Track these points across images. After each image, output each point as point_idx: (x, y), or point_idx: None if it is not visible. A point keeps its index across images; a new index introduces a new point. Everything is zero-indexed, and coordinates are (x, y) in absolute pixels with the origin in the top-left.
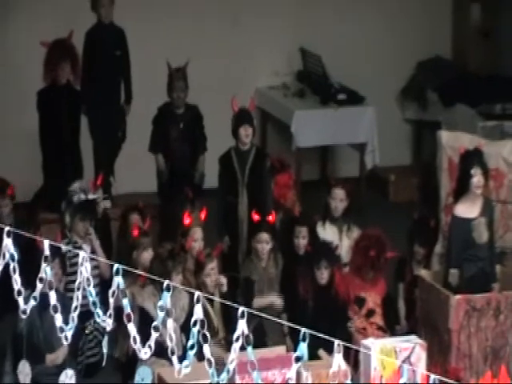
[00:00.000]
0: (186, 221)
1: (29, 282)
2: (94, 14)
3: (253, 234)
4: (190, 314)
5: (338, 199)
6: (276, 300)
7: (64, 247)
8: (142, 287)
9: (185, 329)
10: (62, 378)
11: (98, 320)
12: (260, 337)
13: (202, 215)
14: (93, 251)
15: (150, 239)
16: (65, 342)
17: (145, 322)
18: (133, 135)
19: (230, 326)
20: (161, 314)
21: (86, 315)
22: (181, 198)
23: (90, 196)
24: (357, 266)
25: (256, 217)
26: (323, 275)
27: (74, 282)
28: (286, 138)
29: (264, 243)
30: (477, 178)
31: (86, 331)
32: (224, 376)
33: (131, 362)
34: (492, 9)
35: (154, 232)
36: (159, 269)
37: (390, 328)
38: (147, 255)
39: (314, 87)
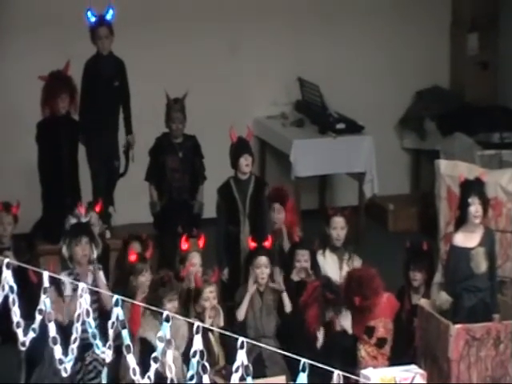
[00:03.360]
0: (184, 246)
1: (26, 314)
2: (94, 46)
3: (251, 260)
4: (190, 342)
5: (339, 227)
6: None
7: (63, 278)
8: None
9: (185, 357)
10: None
11: (97, 351)
12: (259, 368)
13: (200, 243)
14: (94, 284)
15: (148, 264)
16: (64, 374)
17: (147, 353)
18: (132, 166)
19: (230, 356)
20: (160, 345)
21: (85, 347)
22: (175, 231)
23: (83, 219)
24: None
25: (253, 244)
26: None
27: None
28: (285, 167)
29: (263, 267)
30: (474, 207)
31: (85, 362)
32: None
33: None
34: (489, 39)
35: (155, 262)
36: (151, 296)
37: (398, 352)
38: (143, 279)
39: (313, 117)
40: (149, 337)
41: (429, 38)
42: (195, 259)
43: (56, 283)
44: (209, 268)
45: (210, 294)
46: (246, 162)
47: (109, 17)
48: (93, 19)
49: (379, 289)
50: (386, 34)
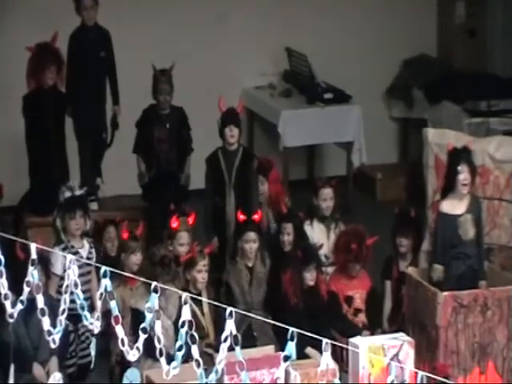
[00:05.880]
0: (174, 224)
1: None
2: (78, 17)
3: (239, 234)
4: (180, 312)
5: (329, 198)
6: None
7: (54, 251)
8: (131, 290)
9: (176, 325)
10: (51, 380)
11: (85, 323)
12: (249, 340)
13: (190, 220)
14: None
15: (140, 244)
16: (52, 346)
17: (139, 324)
18: (120, 137)
19: (219, 330)
20: (149, 316)
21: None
22: (163, 203)
23: (77, 192)
24: (341, 263)
25: (241, 217)
26: (312, 276)
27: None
28: (273, 137)
29: (251, 242)
30: (463, 175)
31: (79, 332)
32: (213, 376)
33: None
34: (477, 6)
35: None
36: (148, 271)
37: (373, 324)
38: (135, 259)
39: (301, 87)
40: (141, 307)
41: (416, 6)
42: (183, 239)
43: (44, 263)
44: (198, 241)
45: (203, 268)
46: (230, 132)
47: None
48: None
49: (366, 240)
50: (373, 2)
